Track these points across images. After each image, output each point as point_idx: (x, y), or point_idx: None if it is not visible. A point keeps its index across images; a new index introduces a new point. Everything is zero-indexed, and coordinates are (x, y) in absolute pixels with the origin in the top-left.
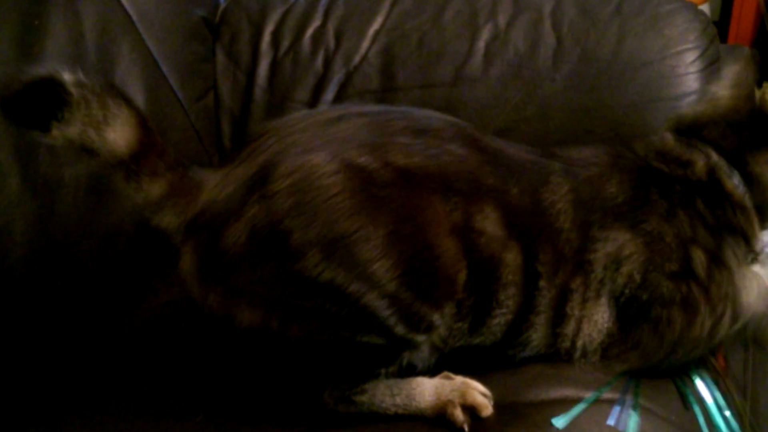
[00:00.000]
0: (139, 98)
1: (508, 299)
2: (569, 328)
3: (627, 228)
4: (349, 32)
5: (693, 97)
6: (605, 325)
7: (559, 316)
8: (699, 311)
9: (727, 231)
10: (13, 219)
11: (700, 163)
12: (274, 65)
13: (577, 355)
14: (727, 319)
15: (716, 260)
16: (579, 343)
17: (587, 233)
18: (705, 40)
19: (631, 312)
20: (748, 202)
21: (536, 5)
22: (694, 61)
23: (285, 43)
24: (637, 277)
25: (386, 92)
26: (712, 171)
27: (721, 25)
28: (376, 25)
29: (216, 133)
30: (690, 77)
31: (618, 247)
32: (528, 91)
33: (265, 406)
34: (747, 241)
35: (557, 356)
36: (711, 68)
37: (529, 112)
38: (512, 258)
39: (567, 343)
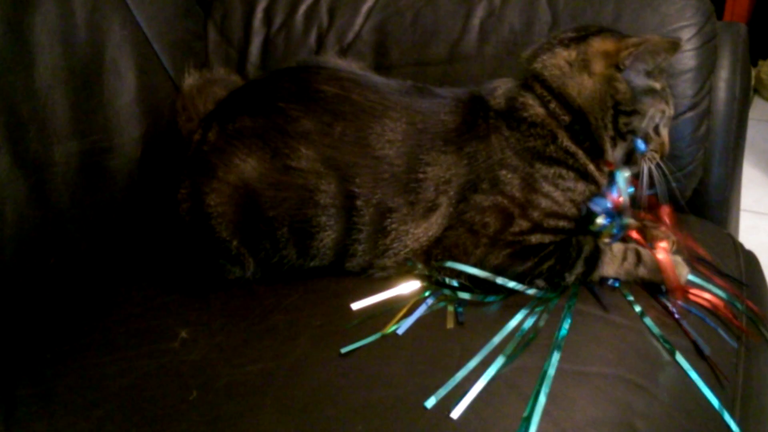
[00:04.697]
0: (129, 76)
1: (331, 219)
2: (389, 239)
3: (453, 152)
4: (343, 9)
5: (690, 74)
6: (429, 234)
7: (380, 230)
8: (513, 217)
9: (534, 155)
10: (4, 198)
11: (499, 90)
12: (267, 42)
13: (391, 261)
14: (543, 217)
15: (527, 181)
16: (394, 251)
17: (416, 158)
18: (702, 18)
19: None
20: (550, 121)
21: None
22: (690, 39)
23: (278, 20)
24: (456, 195)
25: (380, 70)
26: (508, 97)
27: (716, 2)
28: (369, 2)
29: None
30: (687, 54)
31: (445, 169)
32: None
33: (256, 380)
34: (563, 164)
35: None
36: (708, 45)
37: None
38: (326, 185)
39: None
